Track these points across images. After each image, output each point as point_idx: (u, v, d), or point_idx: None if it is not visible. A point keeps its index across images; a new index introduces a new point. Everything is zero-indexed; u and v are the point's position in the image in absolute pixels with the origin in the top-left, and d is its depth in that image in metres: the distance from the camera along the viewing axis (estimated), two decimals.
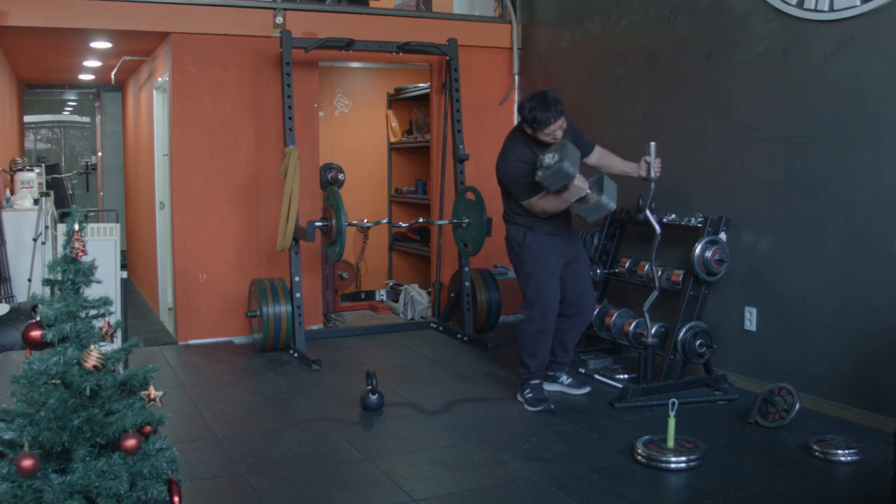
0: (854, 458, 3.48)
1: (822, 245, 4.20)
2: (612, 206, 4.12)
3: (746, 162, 4.59)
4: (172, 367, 5.17)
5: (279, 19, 5.75)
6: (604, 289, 5.37)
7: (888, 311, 3.87)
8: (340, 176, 7.42)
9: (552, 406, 4.23)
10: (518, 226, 4.31)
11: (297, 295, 5.42)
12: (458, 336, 5.89)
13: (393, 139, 7.86)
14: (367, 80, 7.85)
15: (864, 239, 3.99)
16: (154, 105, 6.73)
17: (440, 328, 6.18)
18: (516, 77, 6.63)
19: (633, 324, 4.89)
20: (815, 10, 4.15)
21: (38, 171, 6.80)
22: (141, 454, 1.98)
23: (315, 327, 6.13)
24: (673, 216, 4.84)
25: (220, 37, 5.68)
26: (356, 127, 7.77)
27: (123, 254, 7.18)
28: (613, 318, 4.99)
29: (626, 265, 5.11)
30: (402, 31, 6.10)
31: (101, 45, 6.32)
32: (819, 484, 3.31)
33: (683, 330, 4.52)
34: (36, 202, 6.00)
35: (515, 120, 6.66)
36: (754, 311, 4.55)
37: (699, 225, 4.64)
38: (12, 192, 6.48)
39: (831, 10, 4.07)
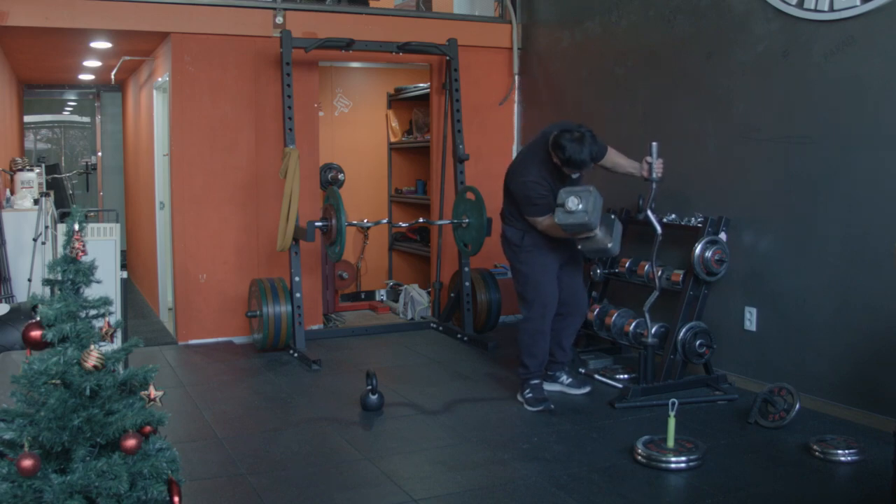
0: (854, 458, 3.48)
1: (822, 245, 4.20)
2: (616, 251, 4.16)
3: (746, 162, 4.59)
4: (172, 367, 5.17)
5: (279, 19, 5.75)
6: (604, 289, 5.37)
7: (888, 311, 3.87)
8: (340, 176, 7.41)
9: (552, 406, 4.23)
10: (516, 228, 4.31)
11: (297, 295, 5.42)
12: (458, 336, 5.89)
13: (393, 139, 7.86)
14: (367, 80, 7.85)
15: (864, 239, 3.99)
16: (154, 105, 6.73)
17: (440, 328, 6.18)
18: (516, 77, 6.63)
19: (633, 324, 4.89)
20: (815, 10, 4.15)
21: (38, 171, 6.80)
22: (141, 454, 1.98)
23: (315, 327, 6.13)
24: (673, 216, 4.84)
25: (220, 37, 5.68)
26: (356, 127, 7.77)
27: (123, 254, 7.18)
28: (613, 318, 5.00)
29: (626, 265, 5.10)
30: (402, 31, 6.10)
31: (101, 45, 6.32)
32: (819, 484, 3.31)
33: (683, 330, 4.52)
34: (36, 202, 6.00)
35: (516, 120, 6.68)
36: (754, 311, 4.55)
37: (699, 225, 4.64)
38: (12, 192, 6.48)
39: (831, 10, 4.07)
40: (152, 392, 2.04)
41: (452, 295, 6.12)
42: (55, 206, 6.07)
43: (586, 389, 4.53)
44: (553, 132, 4.11)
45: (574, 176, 4.17)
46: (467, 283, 5.94)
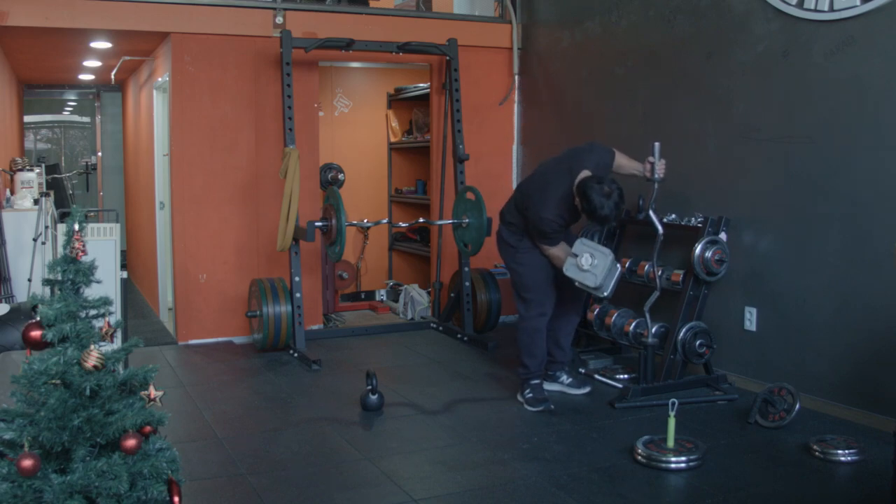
0: (854, 458, 3.48)
1: (822, 245, 4.20)
2: (608, 296, 4.18)
3: (746, 162, 4.59)
4: (172, 367, 5.17)
5: (279, 19, 5.75)
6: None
7: (888, 311, 3.87)
8: (340, 176, 7.41)
9: (552, 406, 4.23)
10: (514, 231, 4.32)
11: (297, 295, 5.42)
12: (458, 336, 5.89)
13: (393, 139, 7.86)
14: (367, 80, 7.85)
15: (864, 239, 3.99)
16: (154, 105, 6.73)
17: (440, 328, 6.18)
18: (516, 77, 6.63)
19: (633, 324, 4.89)
20: (815, 10, 4.15)
21: (38, 171, 6.80)
22: (141, 454, 1.98)
23: (315, 327, 6.13)
24: (673, 216, 4.84)
25: (220, 37, 5.68)
26: (356, 127, 7.77)
27: (123, 254, 7.17)
28: (613, 318, 4.99)
29: (626, 265, 5.10)
30: (402, 31, 6.10)
31: (101, 45, 6.32)
32: (819, 484, 3.31)
33: (683, 330, 4.52)
34: (36, 202, 6.00)
35: (516, 120, 6.68)
36: (754, 311, 4.55)
37: (699, 225, 4.64)
38: (12, 192, 6.48)
39: (831, 10, 4.07)
40: (152, 392, 2.04)
41: (452, 295, 6.12)
42: (55, 206, 6.07)
43: (586, 389, 4.53)
44: (582, 168, 4.03)
45: None
46: (467, 283, 5.94)
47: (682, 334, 4.52)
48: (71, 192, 9.98)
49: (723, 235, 4.59)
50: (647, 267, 4.91)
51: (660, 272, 4.59)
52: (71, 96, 10.57)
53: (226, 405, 4.36)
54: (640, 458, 3.49)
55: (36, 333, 1.97)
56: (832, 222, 4.14)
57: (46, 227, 5.70)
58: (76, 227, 2.02)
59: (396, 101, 7.83)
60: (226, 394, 4.58)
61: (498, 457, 3.59)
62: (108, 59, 7.14)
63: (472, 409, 4.30)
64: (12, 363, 3.09)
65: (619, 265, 4.16)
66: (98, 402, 1.95)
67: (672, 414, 3.51)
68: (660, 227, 4.38)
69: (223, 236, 5.79)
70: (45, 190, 6.78)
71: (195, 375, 5.00)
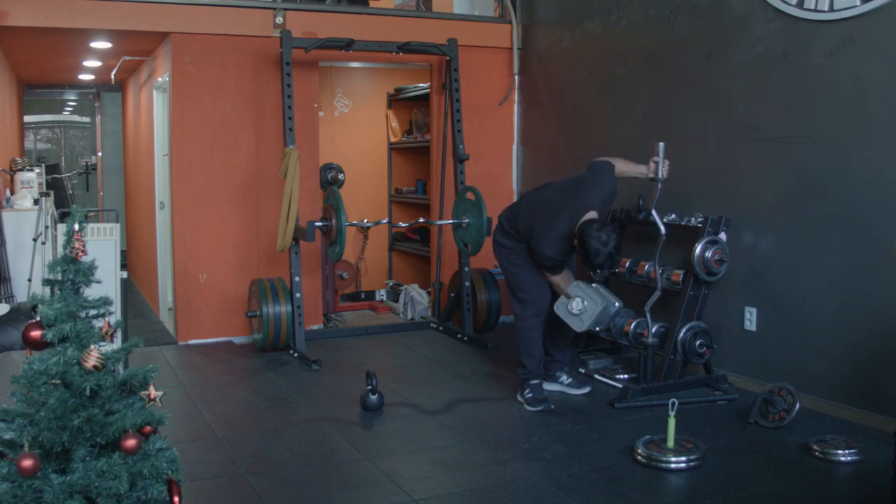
0: (854, 458, 3.48)
1: (822, 245, 4.20)
2: (597, 329, 4.30)
3: (746, 162, 4.59)
4: (172, 367, 5.17)
5: (279, 19, 5.75)
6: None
7: (888, 311, 3.87)
8: (340, 176, 7.42)
9: (552, 406, 4.23)
10: (510, 237, 4.34)
11: (297, 295, 5.42)
12: (458, 336, 5.89)
13: (393, 139, 7.86)
14: (367, 80, 7.85)
15: (864, 239, 3.99)
16: (154, 105, 6.73)
17: (440, 328, 6.18)
18: (516, 77, 6.63)
19: (633, 324, 4.89)
20: (815, 10, 4.15)
21: (38, 171, 6.80)
22: (141, 454, 1.98)
23: (315, 327, 6.13)
24: (673, 216, 4.84)
25: (220, 37, 5.68)
26: (356, 127, 7.77)
27: (123, 254, 7.17)
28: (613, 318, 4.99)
29: (626, 265, 5.10)
30: (402, 31, 6.10)
31: (101, 45, 6.32)
32: (819, 484, 3.31)
33: (683, 330, 4.52)
34: (36, 202, 6.00)
35: (516, 120, 6.68)
36: (754, 311, 4.55)
37: (699, 225, 4.64)
38: (12, 192, 6.48)
39: (831, 10, 4.07)
40: (152, 392, 2.04)
41: (452, 295, 6.12)
42: (55, 206, 6.07)
43: (586, 389, 4.53)
44: (590, 209, 4.06)
45: None
46: (467, 283, 5.94)
47: (682, 334, 4.52)
48: (71, 192, 9.98)
49: (723, 235, 4.58)
50: (647, 267, 4.91)
51: (660, 272, 4.59)
52: (71, 96, 10.57)
53: (226, 405, 4.36)
54: (640, 458, 3.49)
55: (36, 333, 1.97)
56: (832, 222, 4.14)
57: (46, 227, 5.70)
58: (76, 227, 2.02)
59: (396, 101, 7.83)
60: (226, 394, 4.58)
61: (498, 457, 3.59)
62: (108, 59, 7.14)
63: (472, 409, 4.30)
64: (12, 363, 3.09)
65: (617, 304, 4.14)
66: (98, 402, 1.95)
67: (672, 414, 3.51)
68: (662, 228, 4.38)
69: (223, 236, 5.79)
70: (45, 190, 6.78)
71: (195, 375, 5.00)
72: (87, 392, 1.92)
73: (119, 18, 5.41)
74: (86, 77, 8.78)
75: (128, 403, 2.01)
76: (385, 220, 6.95)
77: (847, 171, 4.06)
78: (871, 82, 3.94)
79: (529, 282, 4.29)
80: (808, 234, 4.26)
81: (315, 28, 5.85)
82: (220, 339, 5.83)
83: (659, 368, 4.51)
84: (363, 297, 7.63)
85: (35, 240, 5.69)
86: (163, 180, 6.62)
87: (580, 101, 5.97)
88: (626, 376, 4.74)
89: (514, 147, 6.70)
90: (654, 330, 4.52)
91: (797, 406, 3.90)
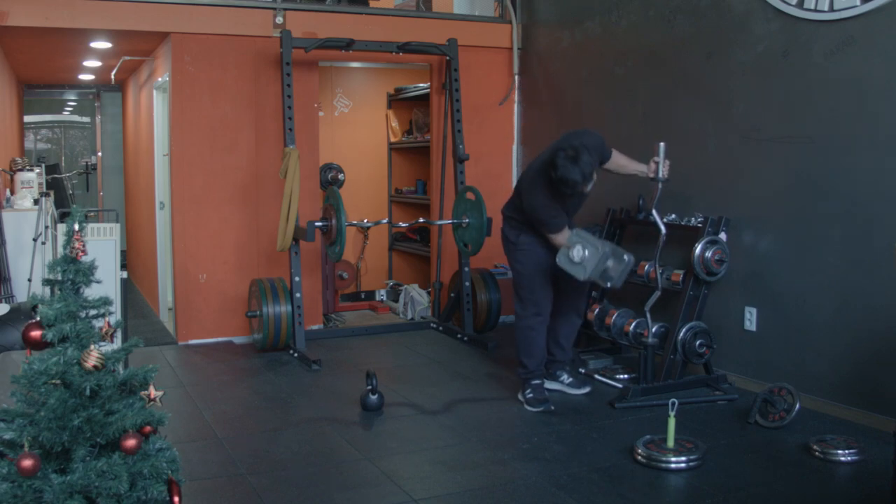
0: (854, 458, 3.48)
1: (822, 245, 4.20)
2: (616, 286, 4.10)
3: (746, 162, 4.59)
4: (172, 367, 5.17)
5: (279, 19, 5.75)
6: (604, 289, 5.36)
7: (888, 311, 3.87)
8: (340, 176, 7.42)
9: (552, 406, 4.23)
10: (514, 223, 4.30)
11: (297, 295, 5.42)
12: (458, 336, 5.89)
13: (393, 139, 7.86)
14: (367, 80, 7.85)
15: (864, 239, 3.99)
16: (154, 105, 6.73)
17: (440, 328, 6.18)
18: (516, 77, 6.63)
19: (633, 324, 4.89)
20: (815, 10, 4.15)
21: (38, 171, 6.80)
22: (141, 454, 1.98)
23: (315, 327, 6.13)
24: (673, 216, 4.84)
25: (220, 37, 5.68)
26: (356, 127, 7.77)
27: (123, 254, 7.17)
28: (613, 318, 4.99)
29: None
30: (402, 31, 6.10)
31: (101, 45, 6.32)
32: (819, 484, 3.31)
33: (683, 330, 4.52)
34: (36, 202, 6.00)
35: (516, 120, 6.67)
36: (754, 311, 4.55)
37: (699, 225, 4.64)
38: (12, 192, 6.48)
39: (831, 10, 4.07)
40: (152, 392, 2.04)
41: (452, 295, 6.12)
42: (55, 206, 6.06)
43: (586, 390, 4.53)
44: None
45: (587, 190, 4.08)
46: (467, 283, 5.94)
47: (682, 334, 4.52)
48: (71, 192, 9.98)
49: (723, 235, 4.59)
50: (647, 267, 4.91)
51: (660, 272, 4.59)
52: (71, 96, 10.57)
53: (226, 405, 4.36)
54: (640, 458, 3.49)
55: (36, 333, 1.97)
56: (832, 222, 4.14)
57: (46, 227, 5.70)
58: (76, 227, 2.02)
59: (396, 101, 7.83)
60: (226, 394, 4.58)
61: (498, 457, 3.59)
62: (108, 59, 7.14)
63: (472, 409, 4.30)
64: (12, 363, 3.09)
65: (628, 256, 4.01)
66: (98, 402, 1.95)
67: (672, 414, 3.51)
68: (663, 227, 4.37)
69: (223, 236, 5.79)
70: (45, 190, 6.78)
71: (195, 375, 5.00)
72: (87, 392, 1.92)
73: (119, 18, 5.41)
74: (86, 77, 8.78)
75: (128, 403, 2.01)
76: (385, 220, 6.95)
77: (847, 171, 4.06)
78: (871, 82, 3.94)
79: (530, 281, 4.28)
80: (808, 234, 4.26)
81: (315, 28, 5.85)
82: (220, 339, 5.83)
83: (659, 368, 4.51)
84: (363, 297, 7.63)
85: (35, 240, 5.69)
86: (163, 180, 6.62)
87: (580, 101, 5.97)
88: (626, 376, 4.74)
89: (514, 147, 6.70)
90: (654, 330, 4.52)
91: (797, 406, 3.90)
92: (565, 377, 4.54)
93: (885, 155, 3.88)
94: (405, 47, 5.87)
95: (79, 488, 1.88)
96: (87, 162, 10.33)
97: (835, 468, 3.45)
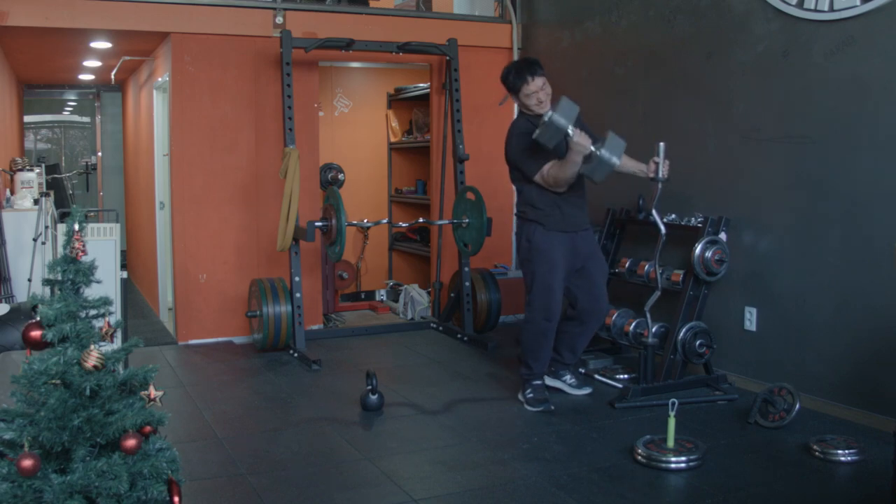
0: (854, 458, 3.48)
1: (822, 245, 4.20)
2: (615, 161, 3.98)
3: (746, 162, 4.59)
4: (172, 367, 5.17)
5: (279, 19, 5.75)
6: None
7: (888, 311, 3.87)
8: (340, 176, 7.42)
9: (552, 407, 4.23)
10: (527, 221, 4.25)
11: (297, 295, 5.42)
12: (458, 336, 5.89)
13: (393, 139, 7.86)
14: (367, 80, 7.85)
15: (864, 239, 3.99)
16: (154, 105, 6.73)
17: (440, 328, 6.18)
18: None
19: (633, 324, 4.89)
20: (815, 10, 4.15)
21: (38, 171, 6.80)
22: (141, 454, 1.98)
23: (315, 327, 6.13)
24: (673, 216, 4.84)
25: (220, 37, 5.68)
26: (356, 127, 7.77)
27: (123, 254, 7.17)
28: (613, 318, 4.99)
29: (626, 265, 5.11)
30: (402, 31, 6.10)
31: (101, 45, 6.32)
32: (819, 484, 3.31)
33: (683, 330, 4.52)
34: (36, 202, 6.00)
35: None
36: (754, 311, 4.55)
37: (699, 225, 4.64)
38: (12, 192, 6.48)
39: (831, 10, 4.07)
40: (152, 392, 2.04)
41: (452, 295, 6.12)
42: (55, 206, 6.06)
43: (587, 391, 4.52)
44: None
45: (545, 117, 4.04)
46: (467, 283, 5.94)
47: (682, 334, 4.52)
48: (71, 192, 9.98)
49: (723, 235, 4.59)
50: (647, 267, 4.92)
51: (660, 272, 4.59)
52: (71, 96, 10.57)
53: (226, 405, 4.36)
54: (640, 458, 3.49)
55: (36, 333, 1.97)
56: (832, 222, 4.14)
57: (46, 227, 5.70)
58: (76, 227, 2.02)
59: (396, 101, 7.83)
60: (226, 394, 4.58)
61: (498, 457, 3.59)
62: (108, 59, 7.15)
63: (472, 409, 4.30)
64: (12, 363, 3.09)
65: (619, 137, 4.00)
66: (98, 402, 1.95)
67: (672, 414, 3.51)
68: (663, 227, 4.36)
69: (223, 236, 5.79)
70: (45, 190, 6.78)
71: (195, 375, 5.00)
72: (87, 392, 1.92)
73: (119, 18, 5.41)
74: (86, 77, 8.79)
75: (128, 403, 2.00)
76: (385, 220, 6.95)
77: (847, 171, 4.06)
78: (871, 82, 3.94)
79: (543, 283, 4.20)
80: (808, 234, 4.26)
81: (315, 28, 5.85)
82: (220, 339, 5.83)
83: (659, 368, 4.51)
84: (363, 297, 7.63)
85: (35, 240, 5.69)
86: (163, 180, 6.62)
87: (580, 101, 5.92)
88: (626, 376, 4.74)
89: None
90: (654, 330, 4.52)
91: (797, 406, 3.90)
92: (568, 377, 4.53)
93: (885, 155, 3.88)
94: (405, 47, 5.87)
95: (79, 488, 1.88)
96: (87, 162, 10.33)
97: (835, 468, 3.45)
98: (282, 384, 4.77)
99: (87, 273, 2.02)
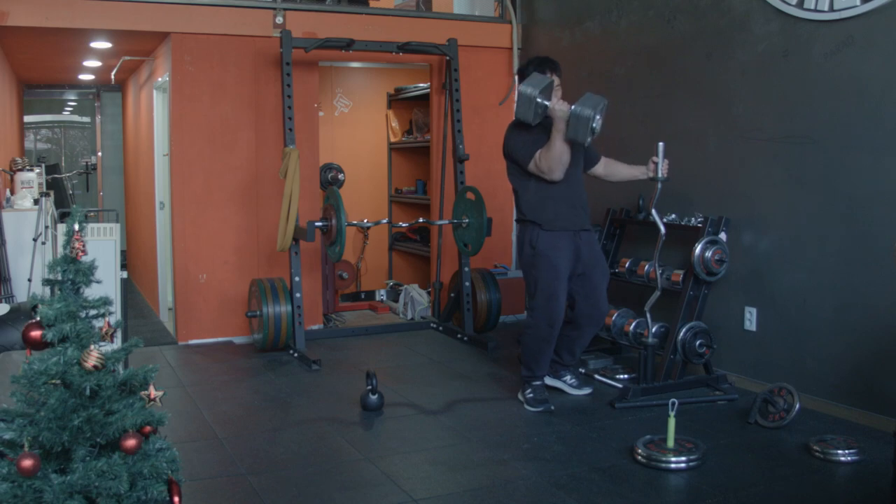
0: (854, 458, 3.48)
1: (822, 245, 4.20)
2: (588, 112, 3.93)
3: (746, 162, 4.59)
4: (172, 367, 5.17)
5: (279, 19, 5.75)
6: None
7: (888, 311, 3.87)
8: (340, 176, 7.42)
9: (552, 407, 4.23)
10: (526, 222, 4.25)
11: (297, 295, 5.42)
12: (458, 336, 5.89)
13: (393, 139, 7.86)
14: (367, 80, 7.85)
15: (864, 239, 3.99)
16: (154, 105, 6.73)
17: (440, 328, 6.18)
18: (516, 77, 6.61)
19: (633, 324, 4.89)
20: (815, 10, 4.15)
21: (38, 171, 6.80)
22: (141, 454, 1.98)
23: (315, 327, 6.13)
24: (673, 216, 4.84)
25: (220, 37, 5.68)
26: (356, 127, 7.77)
27: (123, 254, 7.17)
28: (613, 318, 4.99)
29: (626, 265, 5.11)
30: (402, 31, 6.10)
31: (101, 45, 6.32)
32: (819, 484, 3.31)
33: (683, 330, 4.52)
34: (36, 202, 6.00)
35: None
36: (754, 311, 4.55)
37: (699, 225, 4.64)
38: (12, 192, 6.48)
39: (831, 10, 4.07)
40: (152, 392, 2.04)
41: (452, 295, 6.12)
42: (55, 206, 6.06)
43: (587, 391, 4.52)
44: None
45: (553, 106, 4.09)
46: (467, 283, 5.94)
47: (682, 334, 4.52)
48: (71, 192, 9.98)
49: (723, 235, 4.59)
50: (647, 267, 4.92)
51: (660, 272, 4.59)
52: (71, 96, 10.57)
53: (226, 405, 4.36)
54: (640, 458, 3.49)
55: (36, 333, 1.97)
56: (832, 222, 4.14)
57: (46, 227, 5.70)
58: (76, 227, 2.02)
59: (396, 101, 7.83)
60: (226, 394, 4.58)
61: (498, 457, 3.59)
62: (108, 59, 7.15)
63: (472, 409, 4.30)
64: (12, 363, 3.09)
65: (597, 96, 4.01)
66: (98, 402, 1.95)
67: (672, 414, 3.51)
68: (662, 227, 4.36)
69: (223, 236, 5.79)
70: (45, 190, 6.78)
71: (195, 375, 5.00)
72: (87, 392, 1.92)
73: (119, 18, 5.41)
74: (86, 77, 8.79)
75: (128, 403, 2.00)
76: (385, 220, 6.95)
77: (847, 170, 4.06)
78: (871, 82, 3.94)
79: (549, 291, 4.17)
80: (808, 234, 4.26)
81: (315, 28, 5.85)
82: (220, 339, 5.83)
83: (659, 368, 4.51)
84: (363, 297, 7.63)
85: (35, 240, 5.69)
86: (163, 180, 6.62)
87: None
88: (626, 376, 4.74)
89: None
90: (654, 330, 4.52)
91: (797, 406, 3.90)
92: (569, 377, 4.53)
93: (885, 155, 3.88)
94: (405, 47, 5.87)
95: (79, 488, 1.88)
96: (87, 162, 10.33)
97: (835, 468, 3.45)
98: (282, 384, 4.77)
99: (87, 273, 2.02)
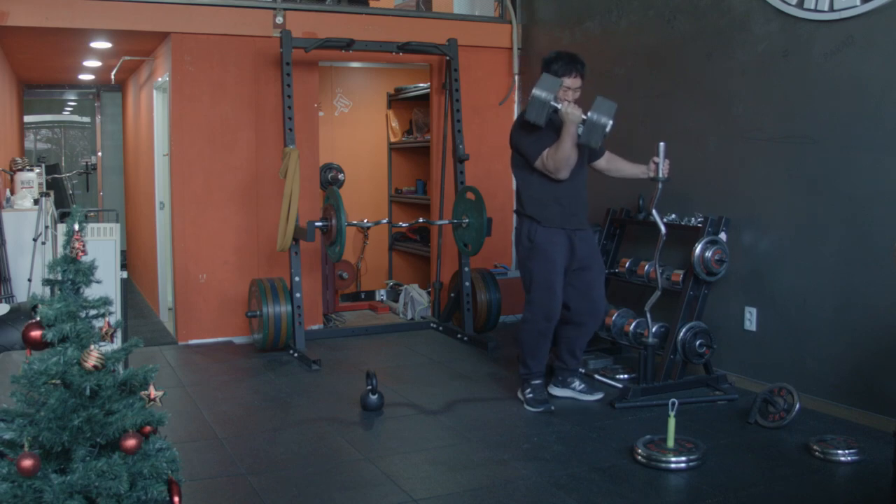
0: (854, 458, 3.48)
1: (822, 245, 4.20)
2: (605, 121, 3.98)
3: (746, 162, 4.59)
4: (172, 367, 5.17)
5: (279, 19, 5.75)
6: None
7: (888, 311, 3.87)
8: (340, 176, 7.42)
9: (552, 407, 4.22)
10: (526, 217, 4.24)
11: (297, 295, 5.42)
12: (458, 336, 5.89)
13: (393, 139, 7.86)
14: (367, 80, 7.85)
15: (864, 239, 3.99)
16: (154, 105, 6.73)
17: (440, 328, 6.18)
18: (516, 77, 6.62)
19: (633, 324, 4.89)
20: (815, 10, 4.15)
21: (38, 171, 6.80)
22: (141, 454, 1.98)
23: (315, 327, 6.13)
24: (673, 216, 4.84)
25: (220, 37, 5.68)
26: (356, 127, 7.77)
27: (123, 254, 7.17)
28: (613, 318, 4.99)
29: (626, 265, 5.10)
30: (402, 31, 6.10)
31: (101, 45, 6.32)
32: (819, 484, 3.31)
33: (683, 330, 4.52)
34: (36, 202, 6.00)
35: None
36: (754, 311, 4.55)
37: (699, 225, 4.64)
38: (12, 192, 6.48)
39: (831, 10, 4.07)
40: (152, 392, 2.04)
41: (452, 295, 6.12)
42: (55, 206, 6.06)
43: (598, 396, 4.44)
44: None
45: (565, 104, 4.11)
46: (467, 283, 5.94)
47: (682, 334, 4.52)
48: (71, 192, 9.98)
49: (723, 235, 4.59)
50: (647, 267, 4.92)
51: (660, 272, 4.59)
52: (71, 96, 10.57)
53: (226, 405, 4.36)
54: (640, 458, 3.49)
55: (36, 333, 1.97)
56: (832, 222, 4.14)
57: (46, 227, 5.70)
58: (76, 227, 2.02)
59: (396, 101, 7.83)
60: (226, 394, 4.58)
61: (498, 457, 3.59)
62: (108, 59, 7.15)
63: (472, 409, 4.30)
64: (12, 363, 3.09)
65: (608, 99, 4.06)
66: (98, 402, 1.95)
67: (672, 414, 3.51)
68: (663, 227, 4.36)
69: (223, 236, 5.79)
70: (45, 190, 6.78)
71: (195, 375, 5.00)
72: (87, 392, 1.92)
73: (119, 18, 5.41)
74: (86, 77, 8.79)
75: (128, 403, 2.00)
76: (385, 220, 6.95)
77: (847, 170, 4.06)
78: (871, 82, 3.94)
79: (544, 282, 4.19)
80: (808, 234, 4.26)
81: (315, 28, 5.85)
82: (220, 339, 5.83)
83: (659, 368, 4.51)
84: (363, 297, 7.63)
85: (35, 240, 5.69)
86: (163, 180, 6.62)
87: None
88: (626, 376, 4.74)
89: None
90: (654, 330, 4.52)
91: (797, 406, 3.90)
92: (577, 384, 4.47)
93: (885, 155, 3.88)
94: (405, 47, 5.87)
95: (79, 488, 1.88)
96: (87, 162, 10.33)
97: (835, 468, 3.45)
98: (282, 384, 4.77)
99: (87, 273, 2.02)
